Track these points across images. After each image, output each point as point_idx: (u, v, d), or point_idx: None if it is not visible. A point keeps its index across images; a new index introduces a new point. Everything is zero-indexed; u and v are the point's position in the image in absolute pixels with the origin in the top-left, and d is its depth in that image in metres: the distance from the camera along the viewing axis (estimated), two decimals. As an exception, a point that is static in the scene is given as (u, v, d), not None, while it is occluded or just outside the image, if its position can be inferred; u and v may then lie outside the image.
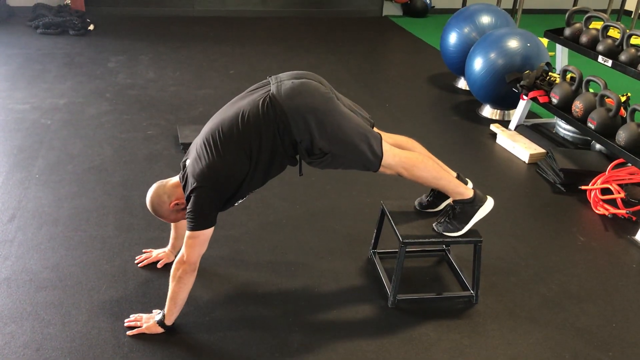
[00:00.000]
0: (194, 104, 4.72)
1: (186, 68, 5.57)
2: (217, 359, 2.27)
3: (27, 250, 2.83)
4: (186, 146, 3.90)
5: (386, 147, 2.36)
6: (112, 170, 3.61)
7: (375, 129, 2.43)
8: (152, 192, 2.40)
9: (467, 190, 2.50)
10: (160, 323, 2.35)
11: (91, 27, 6.63)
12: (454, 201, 2.51)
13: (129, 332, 2.35)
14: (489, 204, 2.54)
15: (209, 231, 2.28)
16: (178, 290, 2.32)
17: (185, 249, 2.27)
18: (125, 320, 2.41)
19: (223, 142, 2.23)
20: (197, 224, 2.23)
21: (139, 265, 2.76)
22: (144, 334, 2.35)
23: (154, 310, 2.43)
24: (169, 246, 2.79)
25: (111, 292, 2.58)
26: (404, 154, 2.40)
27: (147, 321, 2.37)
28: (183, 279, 2.29)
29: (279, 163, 2.32)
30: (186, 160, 2.36)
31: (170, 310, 2.35)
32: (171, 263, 2.74)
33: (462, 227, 2.49)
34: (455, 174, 2.59)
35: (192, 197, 2.23)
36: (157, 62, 5.70)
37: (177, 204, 2.37)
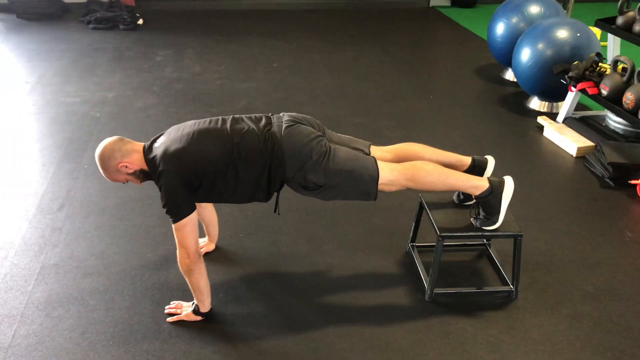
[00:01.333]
0: (238, 97, 4.79)
1: (231, 62, 5.64)
2: (253, 347, 2.31)
3: (75, 238, 2.93)
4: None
5: (382, 165, 2.40)
6: (157, 162, 3.69)
7: (372, 147, 2.54)
8: (108, 142, 2.34)
9: (481, 182, 2.45)
10: (196, 312, 2.41)
11: (140, 21, 6.79)
12: (475, 197, 2.47)
13: (169, 319, 2.42)
14: (508, 186, 2.46)
15: (193, 216, 2.26)
16: (197, 282, 2.35)
17: (180, 243, 2.27)
18: (166, 307, 2.48)
19: (210, 137, 2.28)
20: (177, 215, 2.23)
21: (180, 254, 2.83)
22: (183, 321, 2.41)
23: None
24: (207, 236, 2.85)
25: (153, 279, 2.65)
26: (401, 166, 2.42)
27: (186, 309, 2.44)
28: (194, 271, 2.31)
29: (252, 193, 2.37)
30: (160, 136, 2.37)
31: (199, 299, 2.39)
32: (211, 252, 2.82)
33: (496, 219, 2.45)
34: (469, 160, 2.59)
35: (161, 187, 2.24)
36: (203, 55, 5.79)
37: (125, 166, 2.32)
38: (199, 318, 2.42)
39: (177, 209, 2.23)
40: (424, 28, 7.17)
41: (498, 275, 2.74)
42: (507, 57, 5.04)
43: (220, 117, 2.41)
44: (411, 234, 2.88)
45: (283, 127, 2.35)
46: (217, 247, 2.87)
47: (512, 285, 2.59)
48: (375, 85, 5.13)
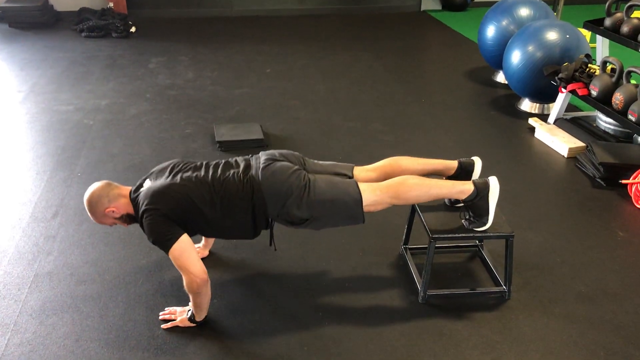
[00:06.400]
0: (231, 103, 4.80)
1: (224, 68, 5.65)
2: (247, 351, 2.31)
3: (69, 245, 2.93)
4: (222, 144, 3.97)
5: (363, 187, 2.42)
6: (151, 169, 3.67)
7: (355, 167, 2.58)
8: (96, 188, 2.41)
9: (465, 186, 2.47)
10: (191, 320, 2.41)
11: (133, 29, 6.80)
12: (463, 201, 2.49)
13: (163, 325, 2.42)
14: (494, 186, 2.47)
15: (184, 239, 2.27)
16: (200, 301, 2.35)
17: (182, 269, 2.27)
18: (160, 314, 2.48)
19: (194, 182, 2.34)
20: (167, 245, 2.25)
21: (174, 260, 2.83)
22: (177, 327, 2.42)
23: (190, 304, 2.49)
24: (202, 241, 2.85)
25: (147, 286, 2.66)
26: (383, 185, 2.45)
27: (181, 315, 2.44)
28: (202, 293, 2.32)
29: (238, 233, 2.47)
30: (145, 179, 2.44)
31: (198, 313, 2.40)
32: (204, 258, 2.82)
33: (486, 220, 2.47)
34: (456, 164, 2.62)
35: (144, 225, 2.28)
36: (196, 62, 5.80)
37: (113, 211, 2.39)
38: (193, 325, 2.42)
39: (164, 237, 2.25)
40: (415, 32, 7.21)
41: (491, 276, 2.76)
42: (497, 60, 5.08)
43: (203, 164, 2.48)
44: (404, 236, 2.89)
45: (260, 168, 2.39)
46: (211, 253, 2.87)
47: (505, 286, 2.61)
48: (368, 89, 5.15)
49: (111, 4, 7.23)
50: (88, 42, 6.40)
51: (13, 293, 2.61)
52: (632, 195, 3.39)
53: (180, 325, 2.42)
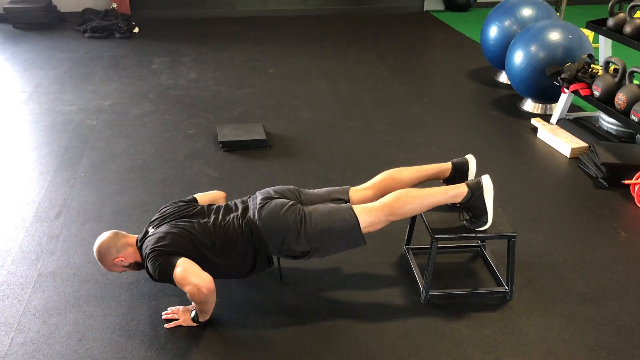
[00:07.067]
0: (234, 104, 4.81)
1: (227, 68, 5.66)
2: (249, 351, 2.32)
3: (72, 245, 2.95)
4: (225, 145, 3.98)
5: (358, 210, 2.45)
6: (154, 169, 3.72)
7: (351, 188, 2.62)
8: (104, 239, 2.47)
9: (459, 190, 2.49)
10: (194, 320, 2.42)
11: (136, 29, 6.82)
12: (459, 204, 2.50)
13: (166, 325, 2.43)
14: (487, 184, 2.48)
15: (183, 260, 2.31)
16: (207, 308, 2.38)
17: (190, 284, 2.27)
18: (163, 313, 2.49)
19: (197, 229, 2.40)
20: (169, 272, 2.29)
21: (176, 260, 2.84)
22: (180, 326, 2.43)
23: (193, 304, 2.50)
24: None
25: (150, 286, 2.66)
26: (377, 205, 2.47)
27: (184, 314, 2.45)
28: (208, 301, 2.33)
29: (235, 273, 2.52)
30: (150, 226, 2.50)
31: (203, 316, 2.42)
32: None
33: (486, 219, 2.48)
34: (450, 165, 2.65)
35: (148, 267, 2.35)
36: (199, 62, 5.82)
37: (121, 260, 2.46)
38: (196, 324, 2.43)
39: (165, 267, 2.30)
40: (418, 32, 7.21)
41: (493, 276, 2.76)
42: (500, 60, 5.07)
43: (205, 208, 2.54)
44: (406, 237, 2.90)
45: (257, 210, 2.44)
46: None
47: (507, 286, 2.61)
48: (370, 89, 5.16)
49: (114, 5, 7.25)
50: (91, 43, 6.42)
51: (16, 293, 2.62)
52: (635, 196, 3.38)
53: (183, 324, 2.43)
